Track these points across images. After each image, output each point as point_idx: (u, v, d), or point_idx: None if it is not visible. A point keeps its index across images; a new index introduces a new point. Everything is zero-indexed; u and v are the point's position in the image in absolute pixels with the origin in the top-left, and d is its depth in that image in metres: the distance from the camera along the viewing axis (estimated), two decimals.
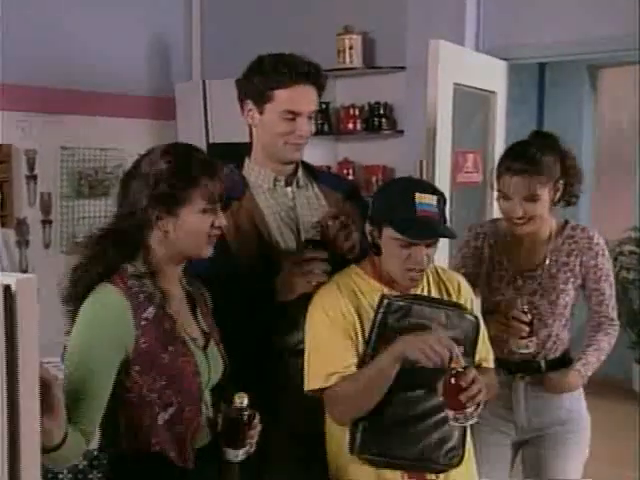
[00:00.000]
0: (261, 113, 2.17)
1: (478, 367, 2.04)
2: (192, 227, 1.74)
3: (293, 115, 2.13)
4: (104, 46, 4.63)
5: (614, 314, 2.48)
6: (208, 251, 1.79)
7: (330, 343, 1.96)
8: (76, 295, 1.70)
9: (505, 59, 3.99)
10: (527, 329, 2.30)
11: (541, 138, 2.44)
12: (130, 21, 4.81)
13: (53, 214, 4.56)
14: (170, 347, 1.69)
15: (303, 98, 2.15)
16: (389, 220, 1.94)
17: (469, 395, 1.82)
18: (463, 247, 2.55)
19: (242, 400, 1.75)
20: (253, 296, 2.03)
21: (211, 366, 1.79)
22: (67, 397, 1.50)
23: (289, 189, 2.23)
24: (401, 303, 1.95)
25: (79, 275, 1.70)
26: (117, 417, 1.69)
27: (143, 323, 1.67)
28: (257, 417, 1.77)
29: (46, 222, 4.54)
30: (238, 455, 1.78)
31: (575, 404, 2.48)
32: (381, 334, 1.94)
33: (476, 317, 2.03)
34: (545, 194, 2.33)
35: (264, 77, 2.13)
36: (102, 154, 4.68)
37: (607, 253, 2.46)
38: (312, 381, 1.96)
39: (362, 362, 1.95)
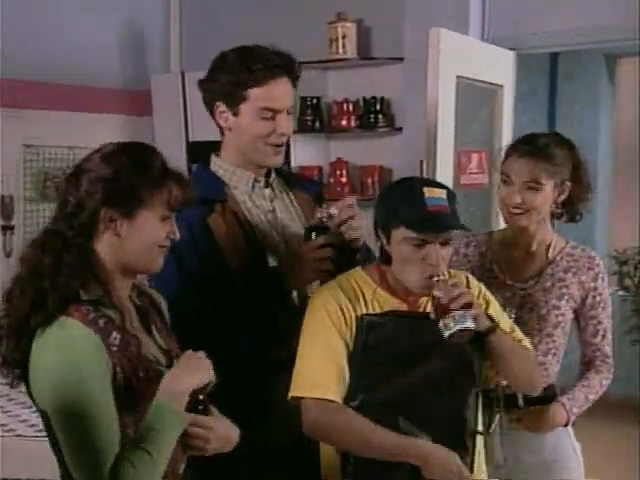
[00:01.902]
0: (235, 115, 2.19)
1: None
2: (149, 235, 1.70)
3: (272, 113, 2.16)
4: (72, 33, 4.62)
5: (609, 350, 2.44)
6: (159, 265, 1.75)
7: (327, 349, 2.00)
8: (27, 331, 1.61)
9: (513, 49, 4.00)
10: None
11: (558, 136, 2.48)
12: (101, 6, 4.80)
13: (15, 219, 4.55)
14: (140, 372, 1.66)
15: (281, 93, 2.18)
16: (399, 220, 1.97)
17: (448, 294, 1.89)
18: (452, 255, 2.56)
19: None
20: (247, 301, 2.08)
21: None
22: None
23: (267, 191, 2.29)
24: (381, 320, 2.00)
25: (27, 302, 1.61)
26: None
27: (114, 350, 1.62)
28: (213, 411, 1.72)
29: (7, 228, 4.52)
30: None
31: (560, 441, 2.42)
32: (365, 357, 1.99)
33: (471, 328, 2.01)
34: (548, 187, 2.35)
35: (234, 75, 2.15)
36: (70, 153, 4.67)
37: (607, 279, 2.45)
38: (297, 389, 2.00)
39: (349, 387, 1.99)
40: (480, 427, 2.09)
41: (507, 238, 2.49)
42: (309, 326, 2.05)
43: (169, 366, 1.74)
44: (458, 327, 1.89)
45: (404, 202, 1.98)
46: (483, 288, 2.17)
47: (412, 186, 2.01)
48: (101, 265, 1.69)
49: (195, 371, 1.68)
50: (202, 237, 2.13)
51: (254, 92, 2.15)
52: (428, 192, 1.96)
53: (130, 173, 1.67)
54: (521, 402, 2.38)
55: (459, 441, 2.00)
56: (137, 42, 5.12)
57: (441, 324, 1.90)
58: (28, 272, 1.65)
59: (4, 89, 4.35)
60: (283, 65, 2.17)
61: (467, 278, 2.16)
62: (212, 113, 2.24)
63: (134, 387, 1.63)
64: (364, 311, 2.02)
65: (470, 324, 1.90)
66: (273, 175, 2.32)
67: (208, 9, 5.07)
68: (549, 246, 2.44)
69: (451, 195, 2.01)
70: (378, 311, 2.02)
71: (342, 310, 2.02)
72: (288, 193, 2.36)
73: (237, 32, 4.83)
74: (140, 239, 1.69)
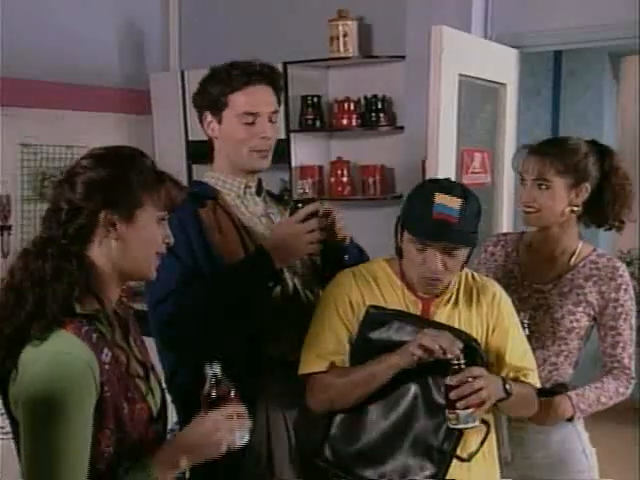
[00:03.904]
0: (220, 122, 2.29)
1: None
2: (148, 237, 1.68)
3: (252, 117, 2.25)
4: (70, 32, 4.62)
5: (628, 362, 2.41)
6: (154, 271, 1.74)
7: (327, 330, 2.10)
8: (22, 341, 1.58)
9: (516, 47, 3.99)
10: None
11: (590, 142, 2.48)
12: (100, 4, 4.81)
13: (12, 219, 4.55)
14: (129, 393, 1.64)
15: (259, 98, 2.27)
16: (406, 222, 2.05)
17: (458, 393, 1.89)
18: (481, 253, 2.63)
19: (215, 367, 1.70)
20: (240, 297, 2.13)
21: (156, 400, 1.77)
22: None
23: (258, 198, 2.36)
24: (383, 318, 2.06)
25: (24, 313, 1.58)
26: None
27: (107, 368, 1.60)
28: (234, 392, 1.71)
29: (4, 228, 4.53)
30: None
31: (567, 441, 2.42)
32: (365, 347, 2.06)
33: (474, 345, 2.03)
34: (559, 186, 2.37)
35: (217, 85, 2.26)
36: (68, 152, 4.67)
37: (632, 291, 2.42)
38: (304, 366, 2.09)
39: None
40: (464, 453, 2.04)
41: (534, 241, 2.51)
42: (316, 312, 2.15)
43: (146, 378, 1.75)
44: (460, 426, 1.93)
45: (416, 204, 2.05)
46: (507, 306, 2.17)
47: (428, 189, 2.04)
48: (97, 274, 1.66)
49: (201, 447, 1.66)
50: (192, 227, 2.17)
51: (234, 97, 2.25)
52: (439, 199, 1.98)
53: (127, 174, 1.66)
54: None
55: (433, 456, 2.00)
56: (136, 40, 5.12)
57: (447, 413, 1.92)
58: (25, 280, 1.61)
59: (1, 88, 4.34)
60: (261, 72, 2.27)
61: (494, 294, 2.16)
62: (202, 126, 2.34)
63: (119, 406, 1.61)
64: (378, 301, 2.09)
65: (474, 423, 1.92)
66: (265, 187, 2.38)
67: (207, 6, 5.06)
68: (574, 252, 2.44)
69: (467, 206, 1.99)
70: (392, 301, 2.09)
71: (350, 297, 2.10)
72: (281, 208, 2.42)
73: (237, 30, 4.86)
74: (140, 241, 1.68)
